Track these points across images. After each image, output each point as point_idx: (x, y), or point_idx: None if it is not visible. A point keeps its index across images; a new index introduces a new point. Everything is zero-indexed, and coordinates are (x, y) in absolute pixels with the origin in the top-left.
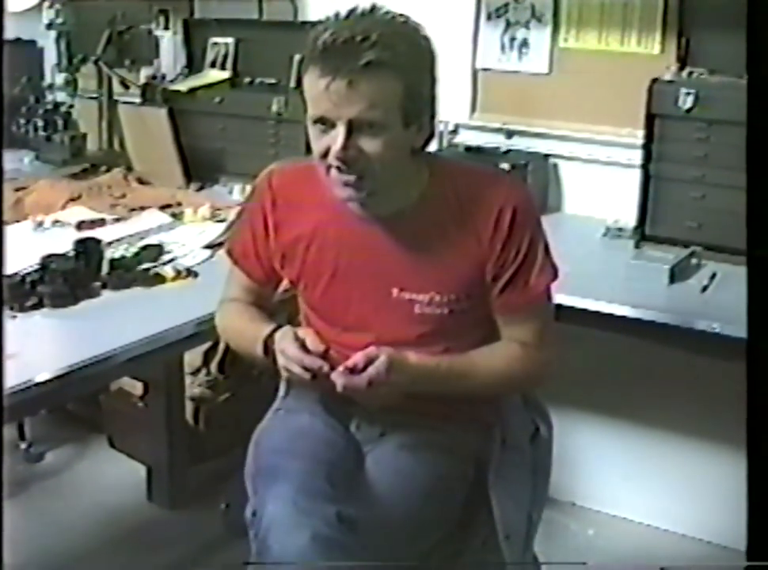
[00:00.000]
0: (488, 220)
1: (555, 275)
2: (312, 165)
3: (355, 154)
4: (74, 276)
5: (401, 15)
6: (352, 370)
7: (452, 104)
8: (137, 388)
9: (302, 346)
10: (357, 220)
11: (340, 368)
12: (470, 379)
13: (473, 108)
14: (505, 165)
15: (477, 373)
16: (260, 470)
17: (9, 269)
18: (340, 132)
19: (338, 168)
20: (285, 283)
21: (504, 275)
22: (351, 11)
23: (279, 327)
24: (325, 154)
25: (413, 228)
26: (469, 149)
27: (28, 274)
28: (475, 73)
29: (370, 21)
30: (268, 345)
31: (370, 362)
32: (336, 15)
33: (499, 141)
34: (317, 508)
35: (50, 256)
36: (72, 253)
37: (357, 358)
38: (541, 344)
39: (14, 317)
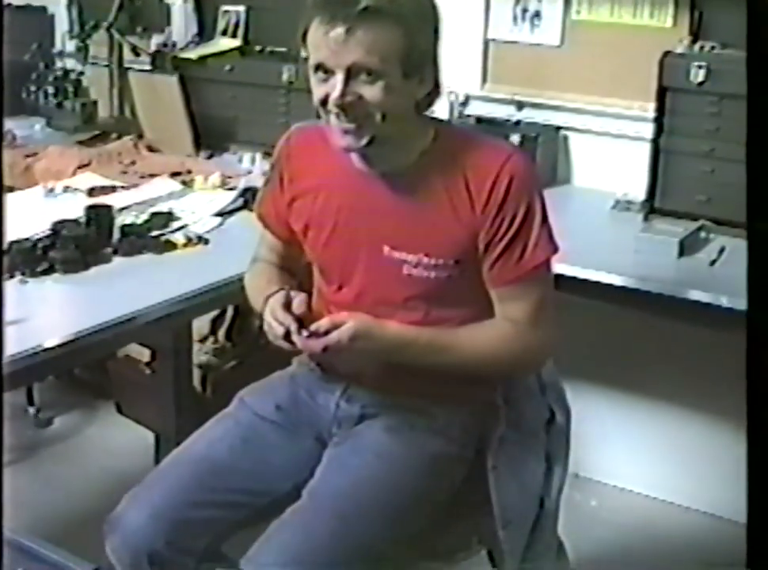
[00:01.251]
0: (483, 186)
1: (553, 251)
2: (323, 123)
3: (353, 101)
4: (85, 242)
5: None
6: (316, 334)
7: (463, 74)
8: (144, 354)
9: (288, 305)
10: (360, 175)
11: (304, 331)
12: (453, 355)
13: (484, 79)
14: (515, 137)
15: (460, 350)
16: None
17: (21, 234)
18: (338, 79)
19: (337, 115)
20: None
21: (497, 245)
22: None
23: (281, 290)
24: (324, 102)
25: (411, 187)
26: (479, 120)
27: (40, 239)
28: (486, 44)
29: None
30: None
31: (335, 327)
32: None
33: (509, 112)
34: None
35: (61, 221)
36: (83, 219)
37: (322, 322)
38: (536, 324)
39: (25, 282)
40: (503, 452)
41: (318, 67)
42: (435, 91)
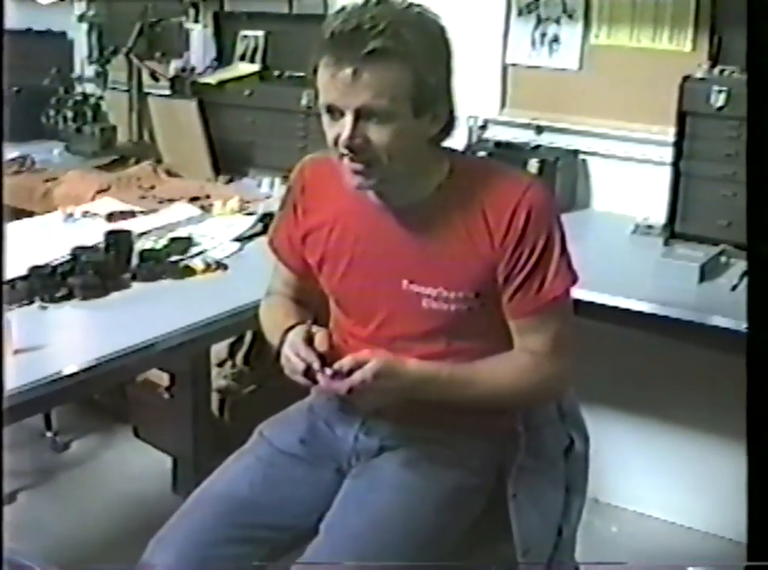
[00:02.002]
0: (501, 219)
1: (573, 282)
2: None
3: (361, 143)
4: (104, 268)
5: (416, 5)
6: (339, 373)
7: (482, 99)
8: (163, 379)
9: (309, 340)
10: (376, 209)
11: (328, 370)
12: (473, 389)
13: (503, 104)
14: (534, 161)
15: (480, 383)
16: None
17: (40, 260)
18: (347, 121)
19: (347, 156)
20: None
21: (516, 278)
22: (367, 0)
23: (299, 325)
24: (335, 142)
25: (428, 220)
26: (498, 144)
27: (59, 265)
28: (505, 68)
29: (381, 10)
30: (283, 342)
31: (358, 366)
32: (353, 5)
33: (528, 137)
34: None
35: (80, 247)
36: (102, 245)
37: (345, 361)
38: (554, 355)
39: (44, 307)
40: (523, 480)
41: (328, 108)
42: (449, 124)
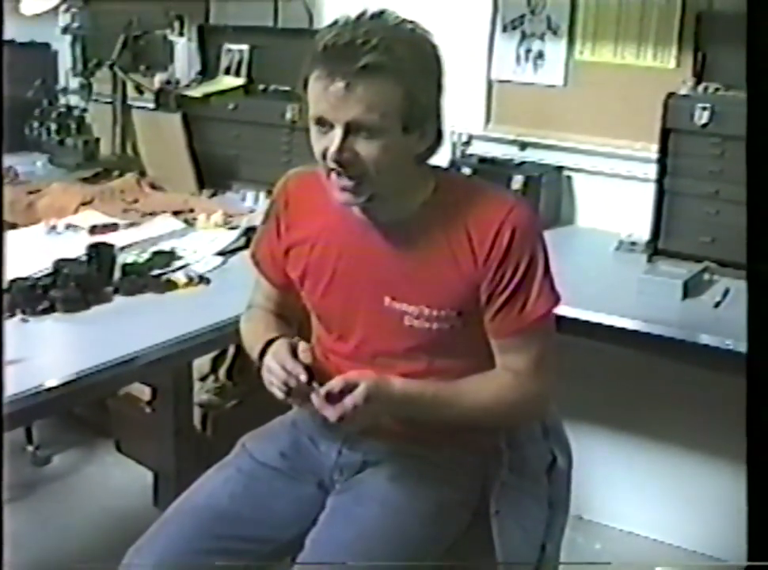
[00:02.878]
0: (485, 238)
1: (555, 302)
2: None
3: (350, 157)
4: (86, 281)
5: (409, 21)
6: (329, 394)
7: (466, 114)
8: (145, 393)
9: (293, 352)
10: (359, 225)
11: (322, 390)
12: (456, 408)
13: (488, 119)
14: (519, 177)
15: (463, 402)
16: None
17: (22, 273)
18: (336, 134)
19: (336, 171)
20: None
21: (499, 297)
22: (360, 15)
23: (282, 337)
24: (323, 156)
25: (412, 238)
26: (482, 160)
27: (41, 278)
28: (490, 84)
29: (374, 25)
30: (264, 353)
31: (348, 389)
32: (346, 18)
33: (513, 153)
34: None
35: (62, 260)
36: (85, 258)
37: (335, 383)
38: (536, 375)
39: (26, 320)
40: (506, 497)
41: (318, 120)
42: (436, 141)
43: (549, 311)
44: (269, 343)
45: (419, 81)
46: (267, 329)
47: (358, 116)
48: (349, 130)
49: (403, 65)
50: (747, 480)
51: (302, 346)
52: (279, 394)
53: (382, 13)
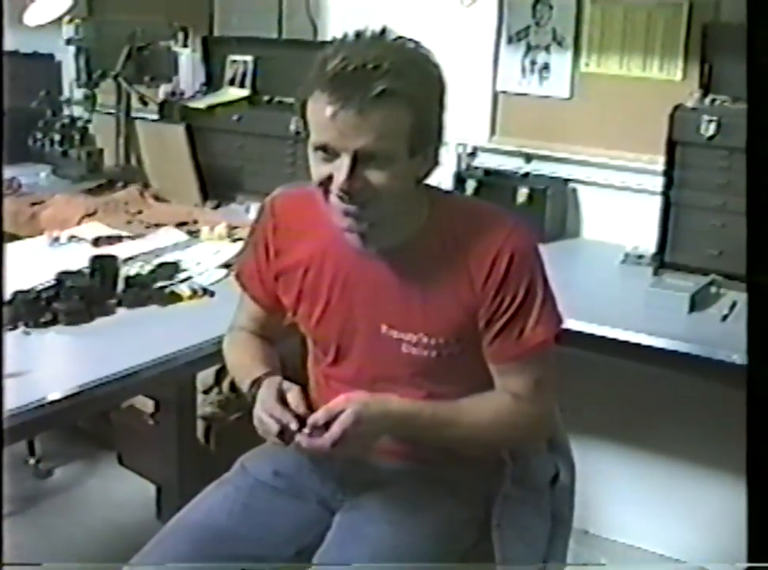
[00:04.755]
0: (483, 263)
1: (557, 327)
2: (318, 194)
3: (360, 186)
4: (89, 293)
5: (410, 40)
6: (315, 427)
7: (471, 126)
8: (148, 405)
9: (282, 399)
10: (354, 251)
11: (305, 430)
12: (455, 429)
13: (493, 131)
14: (524, 189)
15: (462, 422)
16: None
17: (24, 285)
18: (344, 163)
19: (340, 197)
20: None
21: (497, 323)
22: (359, 34)
23: (270, 373)
24: (323, 181)
25: (408, 265)
26: (488, 172)
27: (44, 290)
28: (495, 95)
29: (381, 48)
30: (253, 389)
31: (332, 418)
32: (344, 38)
33: (518, 164)
34: None
35: (65, 272)
36: (88, 270)
37: (318, 415)
38: (536, 398)
39: (28, 333)
40: (508, 509)
41: (322, 147)
42: (435, 163)
43: (548, 337)
44: (255, 382)
45: (427, 104)
46: (253, 361)
47: (368, 145)
48: (357, 158)
49: (414, 89)
50: (747, 482)
51: (292, 393)
52: (278, 442)
53: (383, 31)
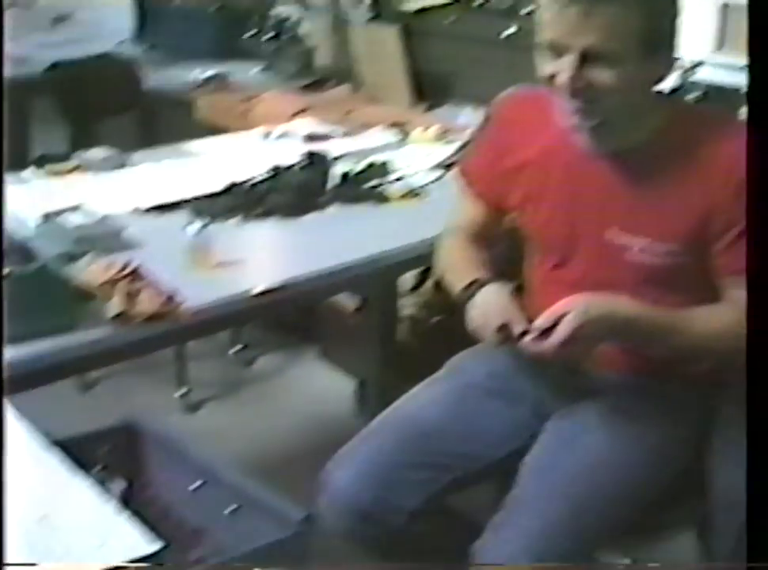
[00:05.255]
0: (719, 169)
1: None
2: (546, 92)
3: (584, 86)
4: (302, 188)
5: None
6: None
7: (693, 38)
8: (353, 302)
9: (511, 302)
10: (583, 152)
11: (533, 333)
12: (683, 336)
13: (719, 45)
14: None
15: (691, 331)
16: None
17: (239, 177)
18: (571, 61)
19: (567, 94)
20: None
21: (731, 230)
22: None
23: (487, 278)
24: (550, 79)
25: (639, 168)
26: (709, 88)
27: (258, 183)
28: (726, 6)
29: None
30: (472, 288)
31: (557, 321)
32: None
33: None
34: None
35: (279, 166)
36: (301, 165)
37: (543, 317)
38: None
39: (242, 224)
40: (727, 435)
41: (549, 44)
42: (670, 67)
43: None
44: (470, 284)
45: (659, 5)
46: (470, 264)
47: (596, 43)
48: (585, 57)
49: None
50: (747, 482)
51: (517, 299)
52: (495, 341)
53: None
